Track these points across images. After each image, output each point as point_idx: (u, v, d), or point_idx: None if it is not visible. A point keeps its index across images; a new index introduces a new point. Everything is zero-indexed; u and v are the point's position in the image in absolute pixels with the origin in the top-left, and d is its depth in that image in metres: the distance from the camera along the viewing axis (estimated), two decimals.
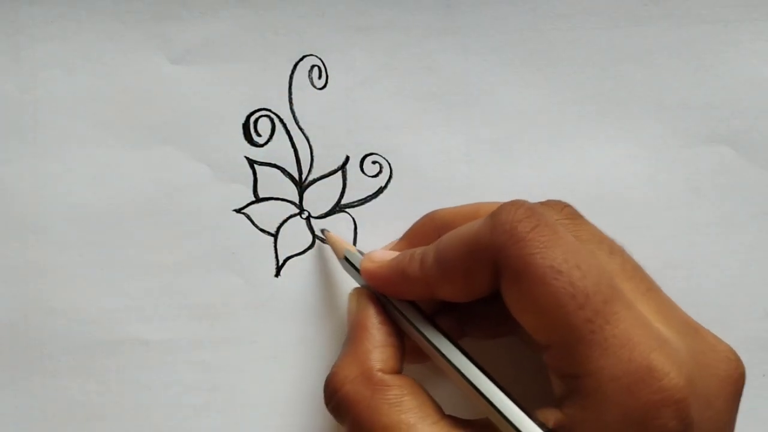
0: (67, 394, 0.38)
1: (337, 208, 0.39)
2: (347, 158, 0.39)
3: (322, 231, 0.38)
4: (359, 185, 0.38)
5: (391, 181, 0.38)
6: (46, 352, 0.38)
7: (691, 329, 0.31)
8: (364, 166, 0.38)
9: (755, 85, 0.39)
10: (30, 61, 0.38)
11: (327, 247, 0.38)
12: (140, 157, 0.38)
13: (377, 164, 0.39)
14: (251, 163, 0.38)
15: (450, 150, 0.38)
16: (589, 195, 0.38)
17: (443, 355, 0.32)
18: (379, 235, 0.38)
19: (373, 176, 0.39)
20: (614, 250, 0.32)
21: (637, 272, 0.32)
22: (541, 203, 0.33)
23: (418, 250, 0.33)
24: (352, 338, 0.33)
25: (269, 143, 0.38)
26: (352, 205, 0.39)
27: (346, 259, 0.35)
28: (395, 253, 0.34)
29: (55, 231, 0.38)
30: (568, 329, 0.28)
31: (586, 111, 0.39)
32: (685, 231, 0.38)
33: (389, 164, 0.38)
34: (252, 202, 0.38)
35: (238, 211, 0.38)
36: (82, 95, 0.38)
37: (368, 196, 0.39)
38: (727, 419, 0.30)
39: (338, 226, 0.38)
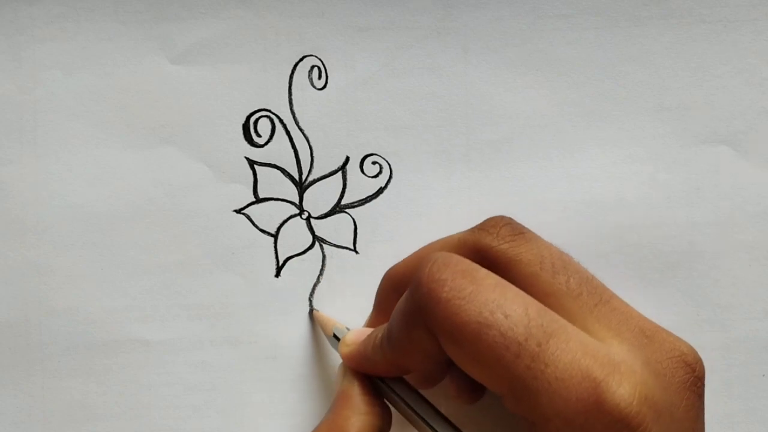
0: (67, 394, 0.38)
1: (337, 208, 0.39)
2: (347, 159, 0.39)
3: (311, 311, 0.38)
4: (359, 186, 0.38)
5: (391, 181, 0.38)
6: (46, 352, 0.38)
7: (645, 338, 0.30)
8: (364, 167, 0.38)
9: (755, 85, 0.39)
10: (30, 61, 0.38)
11: (326, 246, 0.38)
12: (140, 157, 0.38)
13: (377, 164, 0.38)
14: (251, 163, 0.38)
15: (450, 150, 0.38)
16: (590, 195, 0.38)
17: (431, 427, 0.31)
18: (379, 235, 0.38)
19: (373, 177, 0.39)
20: (557, 267, 0.31)
21: (583, 287, 0.31)
22: (478, 227, 0.32)
23: (380, 333, 0.32)
24: (333, 406, 0.33)
25: (269, 144, 0.38)
26: (352, 205, 0.39)
27: (335, 336, 0.35)
28: (369, 331, 0.33)
29: (55, 231, 0.38)
30: (511, 379, 0.28)
31: (586, 111, 0.39)
32: (685, 231, 0.38)
33: (389, 164, 0.38)
34: (252, 203, 0.38)
35: (238, 211, 0.38)
36: (82, 95, 0.38)
37: (368, 197, 0.38)
38: (692, 425, 0.29)
39: (338, 227, 0.38)
